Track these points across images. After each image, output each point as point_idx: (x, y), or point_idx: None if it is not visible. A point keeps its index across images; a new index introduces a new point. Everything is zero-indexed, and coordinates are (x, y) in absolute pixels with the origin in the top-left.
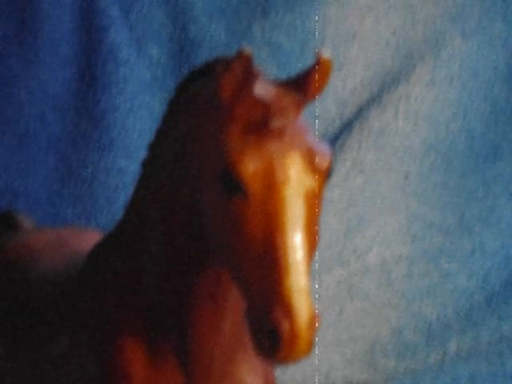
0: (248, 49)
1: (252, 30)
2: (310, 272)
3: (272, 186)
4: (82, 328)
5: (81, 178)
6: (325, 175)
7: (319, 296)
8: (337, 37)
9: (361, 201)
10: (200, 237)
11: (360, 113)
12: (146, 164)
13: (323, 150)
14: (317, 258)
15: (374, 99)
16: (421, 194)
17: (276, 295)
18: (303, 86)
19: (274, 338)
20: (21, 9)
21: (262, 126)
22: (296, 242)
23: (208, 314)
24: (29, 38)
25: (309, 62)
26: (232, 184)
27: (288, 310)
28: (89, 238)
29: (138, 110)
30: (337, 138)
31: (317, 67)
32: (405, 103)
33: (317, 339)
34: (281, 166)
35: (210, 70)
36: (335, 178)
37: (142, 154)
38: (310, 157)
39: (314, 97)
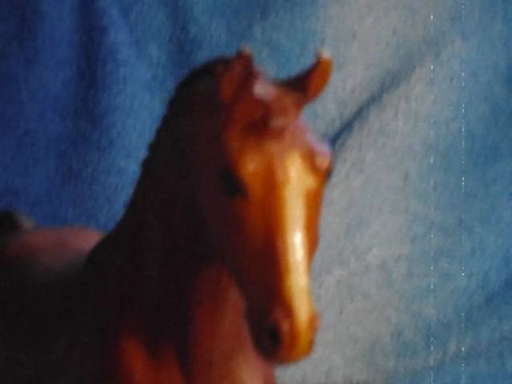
0: (248, 49)
1: (252, 30)
2: (310, 272)
3: (272, 186)
4: (82, 328)
5: (81, 178)
6: (325, 175)
7: (319, 296)
8: (337, 37)
9: (361, 201)
10: (200, 236)
11: (360, 113)
12: (146, 164)
13: (323, 150)
14: (317, 258)
15: (374, 99)
16: (421, 194)
17: (276, 295)
18: (303, 86)
19: (274, 338)
20: (21, 9)
21: (262, 126)
22: (296, 242)
23: (208, 313)
24: (29, 37)
25: (309, 62)
26: (232, 184)
27: (288, 310)
28: (89, 238)
29: (138, 110)
30: (337, 138)
31: (317, 67)
32: (405, 103)
33: (317, 339)
34: (281, 166)
35: (210, 70)
36: (335, 178)
37: (142, 154)
38: (310, 157)
39: (314, 97)
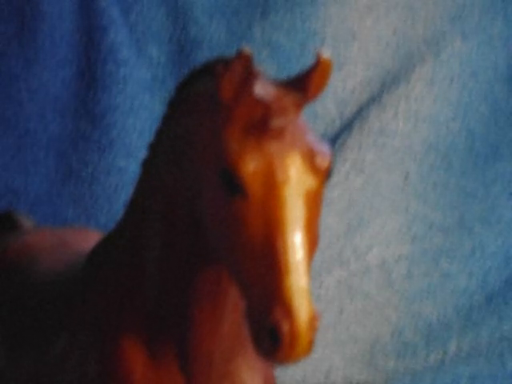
0: (248, 49)
1: (252, 31)
2: (310, 272)
3: (272, 186)
4: (81, 328)
5: (81, 178)
6: (325, 175)
7: (319, 296)
8: (337, 37)
9: (361, 201)
10: (200, 236)
11: (360, 113)
12: (146, 164)
13: (323, 150)
14: (317, 258)
15: (374, 99)
16: (421, 194)
17: (276, 295)
18: (303, 86)
19: (274, 338)
20: (21, 9)
21: (261, 125)
22: (296, 242)
23: (208, 313)
24: (29, 38)
25: (309, 62)
26: (232, 184)
27: (288, 310)
28: (89, 238)
29: (137, 110)
30: (337, 138)
31: (317, 67)
32: (405, 103)
33: (317, 339)
34: (281, 166)
35: (210, 70)
36: (335, 178)
37: (142, 154)
38: (310, 157)
39: (314, 97)
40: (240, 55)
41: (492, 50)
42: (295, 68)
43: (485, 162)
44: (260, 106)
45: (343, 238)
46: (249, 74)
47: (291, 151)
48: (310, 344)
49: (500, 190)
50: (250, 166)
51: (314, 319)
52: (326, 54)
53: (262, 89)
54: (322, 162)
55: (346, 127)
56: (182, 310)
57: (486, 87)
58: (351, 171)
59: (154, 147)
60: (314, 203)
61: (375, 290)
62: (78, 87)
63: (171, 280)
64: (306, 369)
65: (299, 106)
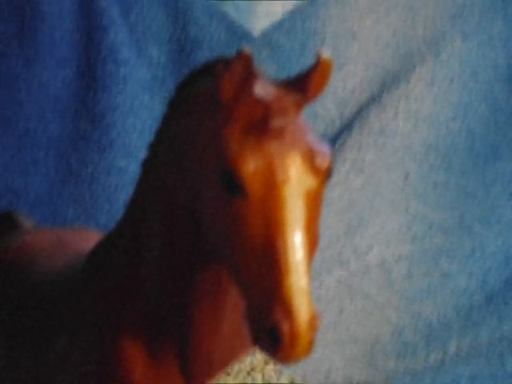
0: (248, 49)
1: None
2: (310, 272)
3: (272, 186)
4: (81, 328)
5: (81, 178)
6: (325, 175)
7: (319, 296)
8: (337, 37)
9: (361, 201)
10: (200, 236)
11: (360, 113)
12: (146, 164)
13: (323, 150)
14: (317, 258)
15: (374, 99)
16: (421, 194)
17: (276, 295)
18: (303, 86)
19: (273, 338)
20: (21, 9)
21: (262, 125)
22: (296, 242)
23: (208, 313)
24: (29, 37)
25: (309, 62)
26: (232, 184)
27: (288, 310)
28: (89, 238)
29: (138, 110)
30: (337, 138)
31: (317, 67)
32: (405, 103)
33: (317, 339)
34: (281, 166)
35: (210, 70)
36: (335, 178)
37: (142, 154)
38: (310, 157)
39: (314, 97)
40: (240, 55)
41: (492, 50)
42: (295, 68)
43: (485, 162)
44: (260, 106)
45: (343, 237)
46: (249, 74)
47: (291, 151)
48: (310, 344)
49: (500, 190)
50: (250, 166)
51: (314, 319)
52: (326, 54)
53: (262, 89)
54: (322, 162)
55: (346, 127)
56: (182, 310)
57: (486, 87)
58: (351, 171)
59: (154, 147)
60: (314, 203)
61: (375, 290)
62: (78, 87)
63: (171, 280)
64: (306, 369)
65: (299, 106)
